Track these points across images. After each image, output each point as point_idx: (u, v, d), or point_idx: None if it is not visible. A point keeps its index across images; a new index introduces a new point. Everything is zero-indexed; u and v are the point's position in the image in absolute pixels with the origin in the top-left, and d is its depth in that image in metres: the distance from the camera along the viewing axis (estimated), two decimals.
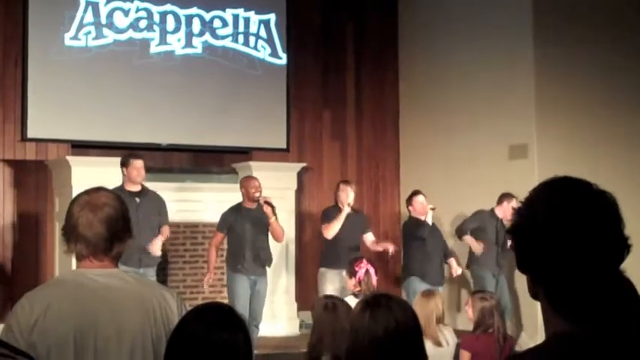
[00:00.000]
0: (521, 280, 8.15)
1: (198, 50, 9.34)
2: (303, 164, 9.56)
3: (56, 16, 8.64)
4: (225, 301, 7.28)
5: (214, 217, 7.84)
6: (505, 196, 8.16)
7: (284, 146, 9.68)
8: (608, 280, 1.40)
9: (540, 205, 1.43)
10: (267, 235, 7.42)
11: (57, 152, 8.65)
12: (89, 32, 8.79)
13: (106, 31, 8.88)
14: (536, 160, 8.54)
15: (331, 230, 7.61)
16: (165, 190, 7.82)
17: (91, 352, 2.29)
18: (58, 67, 8.63)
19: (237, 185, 7.76)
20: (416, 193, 8.03)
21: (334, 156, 10.17)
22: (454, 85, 9.59)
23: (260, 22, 9.67)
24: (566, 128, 8.63)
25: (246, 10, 9.60)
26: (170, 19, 9.22)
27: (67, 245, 2.41)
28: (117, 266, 2.44)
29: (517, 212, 1.46)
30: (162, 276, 8.35)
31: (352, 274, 5.71)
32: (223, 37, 9.49)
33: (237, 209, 7.40)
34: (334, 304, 3.70)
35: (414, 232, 7.77)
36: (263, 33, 9.67)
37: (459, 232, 8.31)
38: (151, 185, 7.43)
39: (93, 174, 7.11)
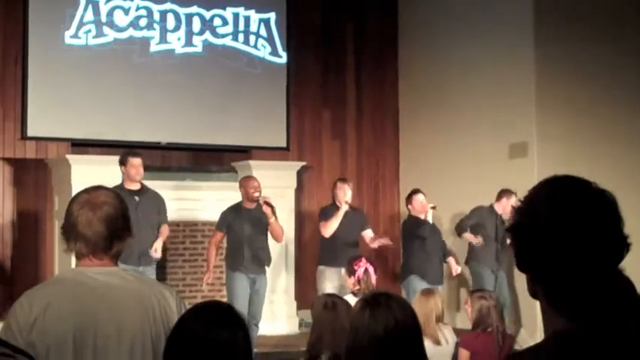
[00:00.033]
0: (520, 277, 8.14)
1: (199, 49, 9.34)
2: (303, 163, 9.56)
3: (56, 14, 8.63)
4: (225, 299, 7.28)
5: (214, 216, 7.84)
6: (504, 192, 8.18)
7: (284, 145, 9.68)
8: (607, 279, 1.40)
9: (540, 204, 1.43)
10: (267, 235, 7.41)
11: (57, 151, 8.65)
12: (89, 30, 8.79)
13: (106, 29, 8.88)
14: (536, 159, 8.54)
15: (329, 228, 7.60)
16: (164, 188, 7.82)
17: (90, 351, 2.29)
18: (58, 66, 8.63)
19: (237, 184, 7.76)
20: (416, 191, 8.02)
21: (334, 155, 10.17)
22: (454, 83, 9.59)
23: (260, 20, 9.67)
24: (566, 127, 8.62)
25: (247, 8, 9.60)
26: (170, 17, 9.22)
27: (66, 244, 2.41)
28: (116, 265, 2.44)
29: (517, 211, 1.46)
30: (162, 274, 8.35)
31: (351, 272, 5.71)
32: (223, 36, 9.49)
33: (236, 209, 7.40)
34: (334, 302, 3.70)
35: (414, 231, 7.76)
36: (263, 32, 9.67)
37: (459, 230, 8.32)
38: (151, 184, 7.43)
39: (92, 172, 7.11)
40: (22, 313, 2.28)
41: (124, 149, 7.67)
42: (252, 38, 9.62)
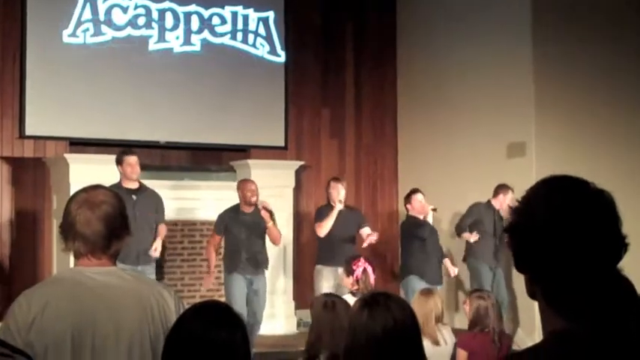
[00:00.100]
0: (518, 277, 8.15)
1: (197, 48, 9.33)
2: (302, 162, 9.56)
3: (54, 12, 8.62)
4: (223, 299, 7.28)
5: (212, 215, 7.84)
6: (501, 188, 8.22)
7: (282, 144, 9.68)
8: (605, 279, 1.40)
9: (538, 204, 1.43)
10: (264, 238, 7.38)
11: (55, 149, 8.64)
12: (87, 29, 8.78)
13: (104, 28, 8.87)
14: (534, 159, 8.55)
15: (324, 228, 7.61)
16: (163, 187, 7.82)
17: (88, 351, 2.29)
18: (56, 65, 8.62)
19: (236, 183, 7.76)
20: (415, 191, 8.00)
21: (332, 154, 10.17)
22: (453, 83, 9.59)
23: (259, 19, 9.66)
24: (564, 127, 8.63)
25: (245, 7, 9.59)
26: (169, 16, 9.21)
27: (64, 243, 2.40)
28: (115, 264, 2.44)
29: (514, 211, 1.46)
30: (160, 274, 8.35)
31: (350, 272, 5.71)
32: (222, 35, 9.48)
33: (233, 211, 7.38)
34: (333, 302, 3.70)
35: (414, 232, 7.74)
36: (262, 31, 9.66)
37: (458, 230, 8.33)
38: (149, 183, 7.42)
39: (91, 171, 7.11)
40: (21, 313, 2.28)
41: (121, 148, 7.66)
42: (250, 37, 9.62)
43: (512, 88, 8.86)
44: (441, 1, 9.98)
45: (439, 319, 4.90)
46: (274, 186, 8.73)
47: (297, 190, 9.54)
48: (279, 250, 8.63)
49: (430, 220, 7.78)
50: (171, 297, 2.45)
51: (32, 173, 8.67)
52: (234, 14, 9.55)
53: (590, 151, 8.55)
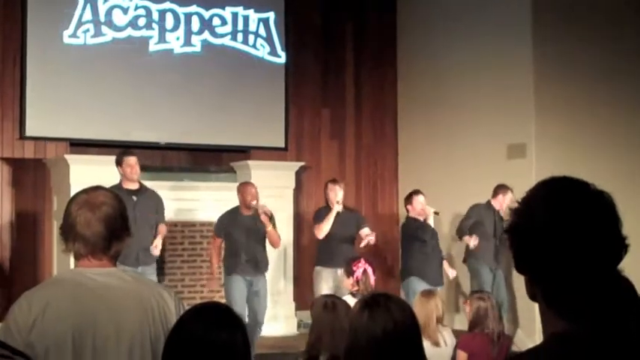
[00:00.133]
0: (518, 278, 8.15)
1: (197, 49, 9.33)
2: (302, 163, 9.57)
3: (55, 14, 8.63)
4: (223, 300, 7.28)
5: (212, 216, 7.84)
6: (500, 188, 8.22)
7: (282, 145, 9.68)
8: (606, 280, 1.40)
9: (538, 205, 1.43)
10: (264, 241, 7.36)
11: (55, 150, 8.64)
12: (88, 30, 8.78)
13: (104, 29, 8.87)
14: (534, 160, 8.54)
15: (322, 230, 7.60)
16: (163, 188, 7.81)
17: (89, 352, 2.29)
18: (56, 66, 8.62)
19: (236, 184, 7.76)
20: (416, 192, 7.94)
21: (333, 155, 10.18)
22: (453, 84, 9.59)
23: (259, 20, 9.67)
24: (564, 128, 8.63)
25: (246, 8, 9.60)
26: (169, 17, 9.21)
27: (65, 244, 2.40)
28: (115, 265, 2.44)
29: (514, 212, 1.46)
30: (161, 275, 8.34)
31: (350, 273, 5.71)
32: (222, 36, 9.48)
33: (233, 213, 7.37)
34: (334, 303, 3.70)
35: (415, 234, 7.71)
36: (262, 31, 9.67)
37: (459, 233, 8.31)
38: (149, 184, 7.42)
39: (91, 172, 7.11)
40: (22, 314, 2.28)
41: (121, 149, 7.65)
42: (251, 38, 9.62)
43: (512, 88, 8.86)
44: (441, 1, 9.98)
45: (440, 321, 4.90)
46: (274, 187, 8.74)
47: (298, 191, 9.55)
48: (279, 251, 8.62)
49: (432, 223, 7.74)
50: (172, 298, 2.46)
51: (32, 174, 8.67)
52: (235, 15, 9.56)
53: (590, 152, 8.55)
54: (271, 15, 9.72)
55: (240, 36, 9.56)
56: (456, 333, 5.24)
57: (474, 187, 8.78)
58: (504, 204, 8.13)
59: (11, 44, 8.55)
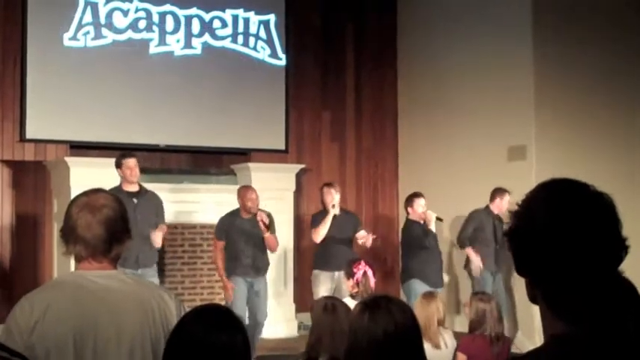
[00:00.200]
0: (518, 281, 8.15)
1: (198, 51, 9.34)
2: (302, 165, 9.57)
3: (55, 16, 8.63)
4: (223, 302, 7.28)
5: (212, 218, 7.84)
6: (497, 192, 8.20)
7: (283, 147, 9.68)
8: (606, 282, 1.40)
9: (538, 207, 1.43)
10: (264, 243, 7.37)
11: (55, 153, 8.65)
12: (88, 32, 8.79)
13: (105, 31, 8.87)
14: (534, 162, 8.54)
15: (318, 234, 7.60)
16: (163, 191, 7.80)
17: (90, 354, 2.29)
18: (56, 68, 8.63)
19: (236, 186, 7.76)
20: (417, 195, 7.89)
21: (333, 157, 10.18)
22: (453, 85, 9.60)
23: (260, 22, 9.67)
24: (565, 130, 8.63)
25: (246, 10, 9.60)
26: (169, 19, 9.22)
27: (65, 247, 2.41)
28: (116, 267, 2.44)
29: (515, 215, 1.46)
30: (161, 277, 8.33)
31: (350, 275, 5.71)
32: (223, 38, 9.49)
33: (233, 216, 7.37)
34: (334, 305, 3.70)
35: (415, 237, 7.68)
36: (263, 34, 9.67)
37: (460, 243, 8.30)
38: (149, 186, 7.41)
39: (91, 175, 7.11)
40: (23, 316, 2.28)
41: (121, 151, 7.64)
42: (251, 40, 9.63)
43: (512, 90, 8.86)
44: (441, 2, 9.99)
45: (441, 323, 4.90)
46: (275, 189, 8.74)
47: (298, 193, 9.55)
48: (279, 254, 8.62)
49: (433, 228, 7.71)
50: (172, 300, 2.46)
51: (33, 177, 8.67)
52: (235, 17, 9.56)
53: (590, 153, 8.55)
54: (272, 17, 9.72)
55: (240, 38, 9.57)
56: (457, 335, 5.24)
57: (474, 188, 8.78)
58: (503, 207, 8.12)
59: (11, 46, 8.56)
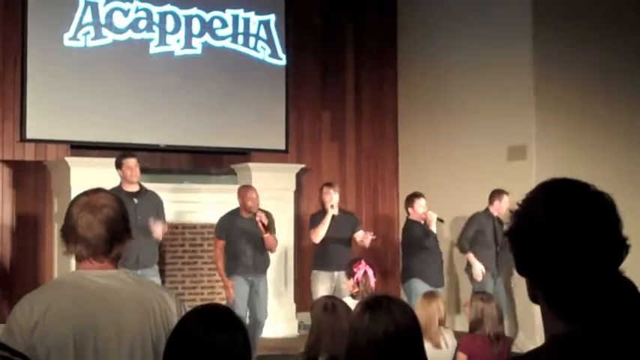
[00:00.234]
0: (519, 282, 8.14)
1: (198, 51, 9.34)
2: (302, 165, 9.57)
3: (55, 16, 8.63)
4: (224, 302, 7.28)
5: (213, 218, 7.84)
6: (495, 193, 8.19)
7: (283, 147, 9.68)
8: (607, 281, 1.40)
9: (538, 207, 1.43)
10: (264, 244, 7.36)
11: (56, 153, 8.65)
12: (88, 32, 8.79)
13: (105, 31, 8.88)
14: (534, 162, 8.54)
15: (317, 234, 7.60)
16: (163, 191, 7.79)
17: (90, 354, 2.29)
18: (57, 68, 8.63)
19: (237, 186, 7.76)
20: (417, 195, 7.87)
21: (333, 157, 10.18)
22: (453, 85, 9.60)
23: (260, 22, 9.67)
24: (565, 129, 8.62)
25: (246, 10, 9.60)
26: (170, 19, 9.22)
27: (66, 246, 2.41)
28: (117, 267, 2.44)
29: (515, 215, 1.46)
30: (161, 277, 8.33)
31: (351, 275, 5.72)
32: (223, 38, 9.49)
33: (234, 215, 7.37)
34: (334, 304, 3.69)
35: (419, 241, 7.66)
36: (263, 34, 9.67)
37: (461, 247, 8.28)
38: (150, 186, 7.41)
39: (92, 175, 7.11)
40: (23, 316, 2.28)
41: (121, 151, 7.64)
42: (251, 40, 9.63)
43: (512, 89, 8.86)
44: (441, 1, 9.99)
45: (442, 323, 4.90)
46: (275, 189, 8.75)
47: (298, 193, 9.55)
48: (280, 253, 8.63)
49: (434, 229, 7.70)
50: (173, 300, 2.46)
51: (33, 176, 8.67)
52: (235, 17, 9.56)
53: (590, 153, 8.55)
54: (272, 17, 9.72)
55: (240, 38, 9.57)
56: (457, 335, 5.24)
57: (475, 188, 8.78)
58: (502, 209, 8.11)
59: (12, 46, 8.56)
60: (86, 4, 8.79)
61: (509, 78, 8.90)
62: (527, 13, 8.75)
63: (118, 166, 7.05)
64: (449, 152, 9.57)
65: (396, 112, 10.50)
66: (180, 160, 9.39)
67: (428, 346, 3.81)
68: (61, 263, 8.02)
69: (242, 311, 7.04)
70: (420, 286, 7.28)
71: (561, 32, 8.74)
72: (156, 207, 7.18)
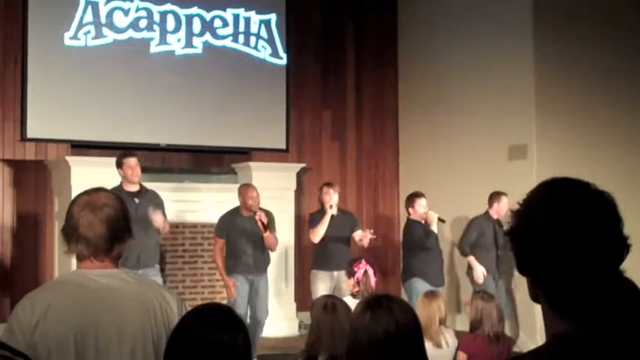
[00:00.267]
0: (520, 284, 8.15)
1: (199, 50, 9.34)
2: (303, 165, 9.57)
3: (56, 15, 8.63)
4: (225, 301, 7.28)
5: (213, 218, 7.84)
6: (494, 196, 8.16)
7: (283, 146, 9.68)
8: (608, 280, 1.40)
9: (539, 206, 1.43)
10: (264, 242, 7.36)
11: (56, 152, 8.65)
12: (89, 32, 8.79)
13: (105, 30, 8.88)
14: (535, 161, 8.54)
15: (316, 234, 7.60)
16: (164, 190, 7.79)
17: (91, 353, 2.29)
18: (57, 67, 8.63)
19: (237, 185, 7.76)
20: (418, 195, 7.84)
21: (333, 156, 10.18)
22: (454, 84, 9.60)
23: (261, 22, 9.67)
24: (565, 129, 8.62)
25: (247, 9, 9.60)
26: (170, 18, 9.22)
27: (67, 246, 2.41)
28: (117, 267, 2.44)
29: (516, 214, 1.46)
30: (162, 276, 8.33)
31: (351, 274, 5.72)
32: (224, 37, 9.49)
33: (234, 214, 7.37)
34: (333, 303, 3.69)
35: (420, 242, 7.65)
36: (264, 33, 9.67)
37: (462, 250, 8.26)
38: (150, 185, 7.41)
39: (92, 174, 7.11)
40: (24, 315, 2.28)
41: (122, 151, 7.63)
42: (252, 39, 9.63)
43: (513, 89, 8.86)
44: (442, 1, 9.98)
45: (442, 322, 4.90)
46: (276, 188, 8.75)
47: (299, 192, 9.55)
48: (280, 253, 8.63)
49: (435, 229, 7.69)
50: (174, 299, 2.46)
51: (34, 176, 8.67)
52: (236, 17, 9.56)
53: (591, 152, 8.55)
54: (273, 17, 9.72)
55: (241, 37, 9.57)
56: (458, 334, 5.24)
57: (475, 188, 8.78)
58: (502, 210, 8.09)
59: (12, 45, 8.56)
60: (87, 3, 8.79)
61: (509, 77, 8.90)
62: (527, 13, 8.75)
63: (119, 165, 7.04)
64: (450, 151, 9.57)
65: (397, 112, 10.50)
66: (180, 160, 9.39)
67: (428, 345, 3.81)
68: (62, 262, 8.02)
69: (243, 310, 7.04)
70: (420, 286, 7.28)
71: (562, 32, 8.74)
72: (156, 206, 7.17)
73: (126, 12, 8.99)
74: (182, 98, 9.15)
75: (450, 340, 4.90)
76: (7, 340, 2.08)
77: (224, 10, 9.50)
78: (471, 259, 8.08)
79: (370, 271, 5.70)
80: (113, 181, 6.83)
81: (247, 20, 9.61)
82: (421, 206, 7.76)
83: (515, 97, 8.83)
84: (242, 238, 7.25)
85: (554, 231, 1.39)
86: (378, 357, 2.36)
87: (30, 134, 8.54)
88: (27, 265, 8.50)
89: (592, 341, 1.37)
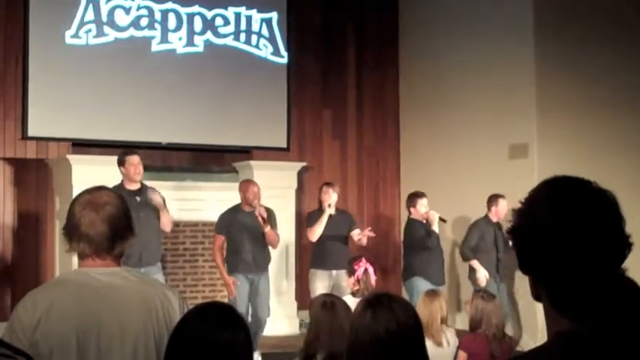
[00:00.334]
0: (521, 283, 8.14)
1: (200, 49, 9.34)
2: (304, 163, 9.57)
3: (57, 14, 8.63)
4: (226, 300, 7.28)
5: (214, 216, 7.84)
6: (492, 199, 8.13)
7: (284, 145, 9.68)
8: (609, 279, 1.40)
9: (541, 205, 1.43)
10: (264, 239, 7.36)
11: (57, 151, 8.65)
12: (90, 30, 8.79)
13: (106, 29, 8.88)
14: (536, 160, 8.54)
15: (314, 233, 7.61)
16: (165, 188, 7.79)
17: (93, 352, 2.29)
18: (58, 66, 8.63)
19: (238, 184, 7.76)
20: (419, 195, 7.84)
21: (334, 155, 10.18)
22: (454, 84, 9.59)
23: (262, 20, 9.67)
24: (566, 128, 8.62)
25: (248, 8, 9.60)
26: (171, 17, 9.22)
27: (69, 244, 2.41)
28: (119, 265, 2.44)
29: (517, 213, 1.46)
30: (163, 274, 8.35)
31: (351, 272, 5.72)
32: (225, 36, 9.49)
33: (235, 211, 7.37)
34: (332, 302, 3.69)
35: (421, 241, 7.64)
36: (265, 31, 9.67)
37: (463, 254, 8.24)
38: (151, 184, 7.40)
39: (93, 173, 7.09)
40: (26, 314, 2.28)
41: (123, 149, 7.62)
42: (253, 38, 9.63)
43: (513, 88, 8.86)
44: (442, 1, 9.98)
45: (444, 321, 4.90)
46: (276, 187, 8.75)
47: (300, 191, 9.55)
48: (281, 251, 8.63)
49: (436, 229, 7.69)
50: (176, 297, 2.46)
51: (35, 174, 8.68)
52: (238, 15, 9.56)
53: (592, 151, 8.55)
54: (274, 15, 9.72)
55: (242, 36, 9.57)
56: (458, 333, 5.24)
57: (476, 187, 8.78)
58: (501, 213, 8.07)
59: (13, 44, 8.56)
60: (88, 2, 8.79)
61: (510, 77, 8.90)
62: (528, 12, 8.75)
63: (121, 163, 7.02)
64: (450, 151, 9.57)
65: (398, 111, 10.50)
66: (181, 158, 9.39)
67: (429, 344, 3.82)
68: (63, 261, 8.02)
69: (243, 309, 7.04)
70: (421, 284, 7.28)
71: (562, 32, 8.74)
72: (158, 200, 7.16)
73: (127, 10, 8.99)
74: (183, 97, 9.15)
75: (450, 339, 4.91)
76: (8, 339, 2.09)
77: (225, 8, 9.50)
78: (474, 262, 8.03)
79: (370, 270, 5.70)
80: (114, 180, 6.82)
81: (249, 19, 9.61)
82: (422, 206, 7.76)
83: (516, 96, 8.83)
84: (243, 233, 7.24)
85: (556, 229, 1.39)
86: (378, 356, 2.36)
87: (31, 133, 8.54)
88: (28, 264, 8.51)
89: (594, 340, 1.37)
